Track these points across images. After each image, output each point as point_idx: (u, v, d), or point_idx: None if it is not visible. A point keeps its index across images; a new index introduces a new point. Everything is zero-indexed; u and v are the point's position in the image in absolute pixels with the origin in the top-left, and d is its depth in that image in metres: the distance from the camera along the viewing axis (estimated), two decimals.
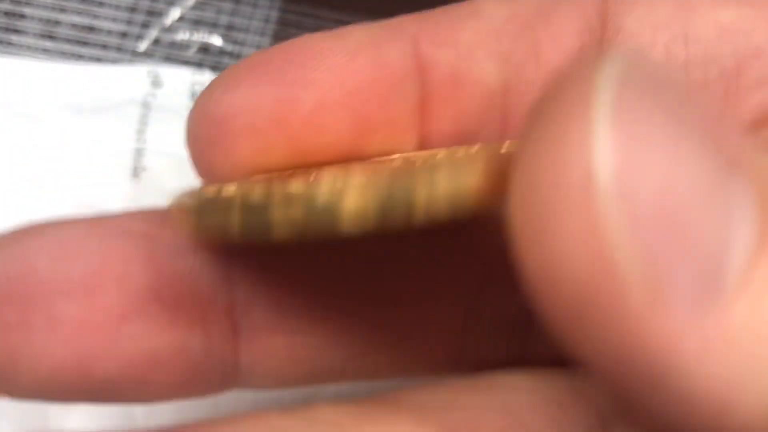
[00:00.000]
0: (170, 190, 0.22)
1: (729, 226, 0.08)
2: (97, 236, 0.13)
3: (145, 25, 0.25)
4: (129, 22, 0.25)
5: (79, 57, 0.24)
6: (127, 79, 0.24)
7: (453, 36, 0.14)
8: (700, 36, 0.14)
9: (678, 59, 0.14)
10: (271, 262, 0.14)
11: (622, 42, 0.14)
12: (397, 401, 0.12)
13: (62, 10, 0.25)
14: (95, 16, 0.25)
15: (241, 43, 0.25)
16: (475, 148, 0.13)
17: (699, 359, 0.08)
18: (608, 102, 0.08)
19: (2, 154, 0.22)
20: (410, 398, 0.12)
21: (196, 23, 0.26)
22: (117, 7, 0.26)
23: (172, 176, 0.22)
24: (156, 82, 0.24)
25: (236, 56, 0.25)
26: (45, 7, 0.25)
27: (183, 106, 0.23)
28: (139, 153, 0.22)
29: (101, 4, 0.26)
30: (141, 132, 0.22)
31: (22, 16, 0.25)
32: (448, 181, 0.10)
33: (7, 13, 0.25)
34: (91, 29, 0.25)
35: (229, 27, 0.26)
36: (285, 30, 0.26)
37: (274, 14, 0.26)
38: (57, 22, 0.25)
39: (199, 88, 0.24)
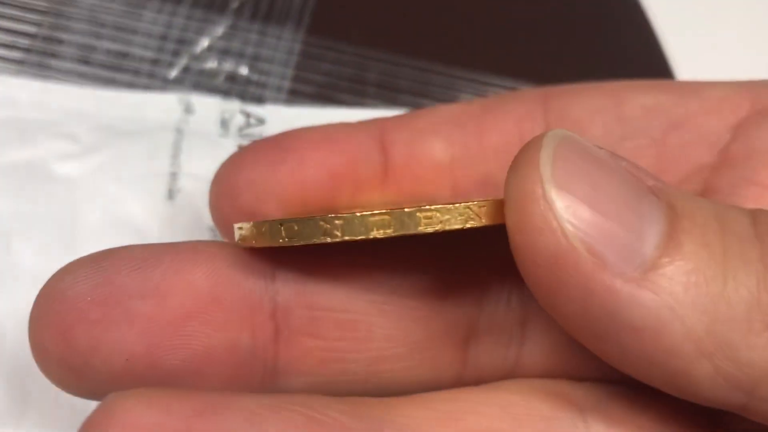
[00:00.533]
0: (202, 210, 0.23)
1: (642, 226, 0.13)
2: (169, 252, 0.15)
3: (176, 53, 0.27)
4: (160, 50, 0.27)
5: (113, 82, 0.26)
6: (161, 106, 0.25)
7: (410, 124, 0.19)
8: (629, 115, 0.18)
9: (614, 134, 0.18)
10: (309, 281, 0.16)
11: (560, 126, 0.18)
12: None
13: (98, 36, 0.27)
14: (129, 43, 0.27)
15: (266, 73, 0.27)
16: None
17: (630, 297, 0.13)
18: (548, 164, 0.13)
19: (43, 174, 0.23)
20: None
21: (224, 53, 0.27)
22: (149, 35, 0.27)
23: (203, 197, 0.23)
24: (188, 109, 0.25)
25: (261, 85, 0.27)
26: (82, 33, 0.27)
27: (213, 132, 0.25)
28: (173, 176, 0.23)
29: (134, 32, 0.27)
30: (175, 156, 0.24)
31: (60, 42, 0.26)
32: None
33: (45, 38, 0.26)
34: (124, 56, 0.27)
35: (255, 57, 0.27)
36: (306, 62, 0.28)
37: (297, 47, 0.28)
38: (93, 48, 0.26)
39: (228, 116, 0.25)
